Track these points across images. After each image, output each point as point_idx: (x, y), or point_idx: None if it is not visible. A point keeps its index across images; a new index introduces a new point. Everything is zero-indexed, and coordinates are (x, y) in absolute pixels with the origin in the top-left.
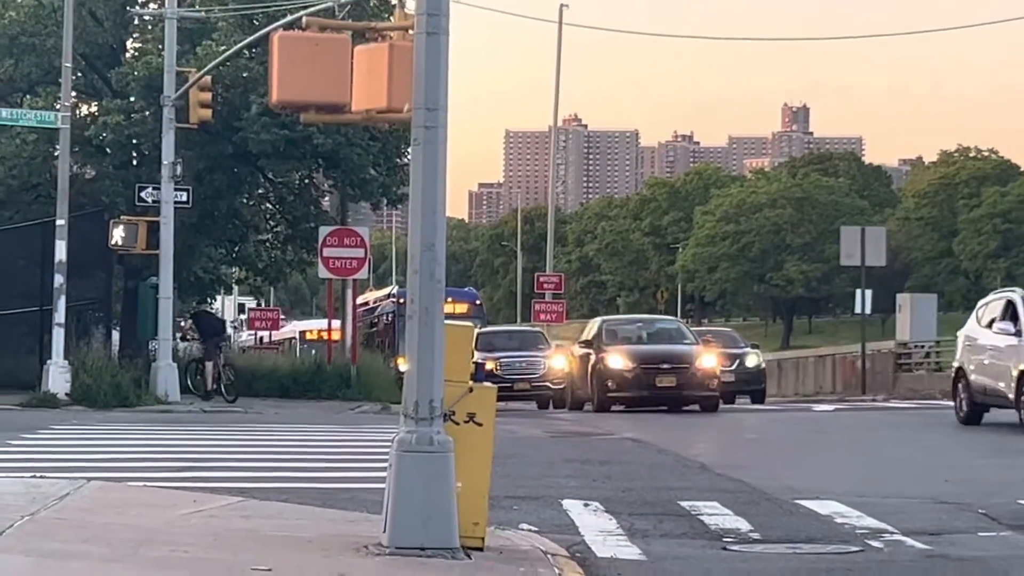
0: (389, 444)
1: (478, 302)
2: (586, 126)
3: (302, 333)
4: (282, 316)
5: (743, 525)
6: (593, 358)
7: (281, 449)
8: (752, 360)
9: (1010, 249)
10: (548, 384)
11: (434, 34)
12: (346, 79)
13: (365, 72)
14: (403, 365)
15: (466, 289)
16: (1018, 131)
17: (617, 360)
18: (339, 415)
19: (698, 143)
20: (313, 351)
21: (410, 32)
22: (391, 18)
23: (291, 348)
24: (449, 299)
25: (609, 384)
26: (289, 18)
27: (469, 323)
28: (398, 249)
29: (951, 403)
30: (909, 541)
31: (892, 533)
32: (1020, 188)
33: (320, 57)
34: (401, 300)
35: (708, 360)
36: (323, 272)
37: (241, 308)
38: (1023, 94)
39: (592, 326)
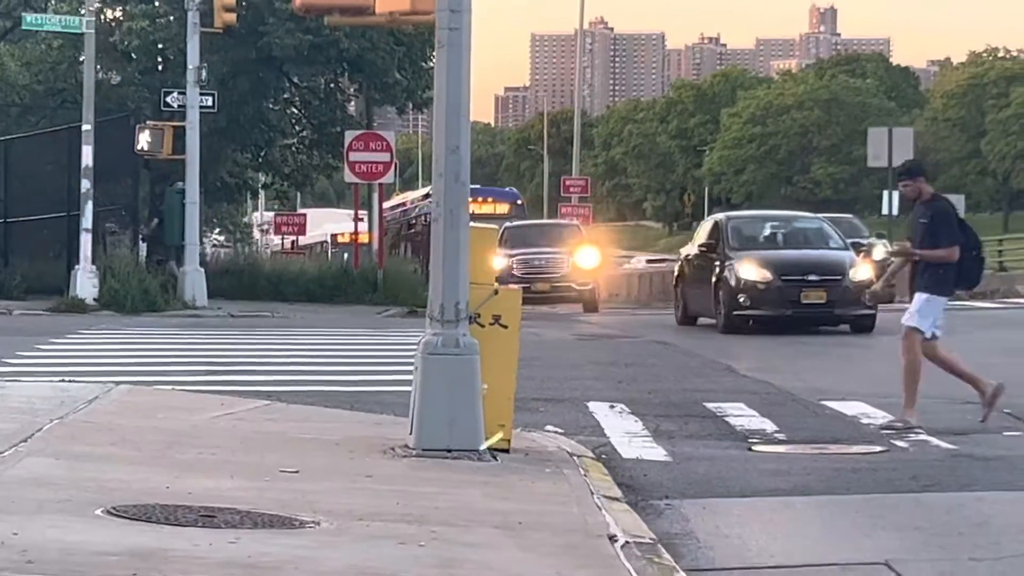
0: (415, 347)
1: (520, 202)
2: (612, 29)
3: (334, 236)
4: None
5: (768, 426)
6: (717, 265)
7: (308, 353)
8: (879, 253)
9: None
10: (572, 285)
11: None
12: None
13: None
14: None
15: (507, 189)
16: None
17: (751, 270)
18: (365, 319)
19: (725, 45)
20: (345, 255)
21: None
22: None
23: (323, 251)
24: (490, 199)
25: (741, 299)
26: None
27: (493, 225)
28: (424, 153)
29: (975, 303)
30: (934, 441)
31: (917, 433)
32: None
33: None
34: None
35: (863, 271)
36: (349, 177)
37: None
38: None
39: (710, 224)
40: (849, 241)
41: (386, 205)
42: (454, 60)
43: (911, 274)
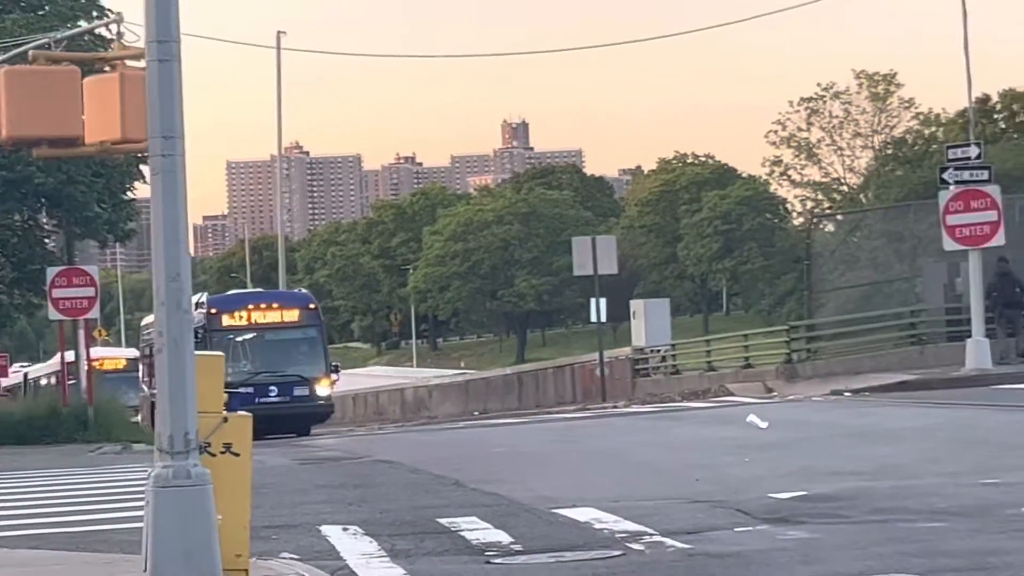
0: (135, 483)
1: (312, 306)
2: (308, 153)
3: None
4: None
5: (504, 538)
6: None
7: (25, 496)
8: None
9: (732, 250)
10: None
11: (166, 61)
12: (78, 111)
13: (97, 103)
14: None
15: (298, 291)
16: (732, 135)
17: None
18: (79, 458)
19: (421, 164)
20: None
21: (141, 61)
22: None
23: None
24: (275, 305)
25: None
26: (10, 54)
27: (220, 353)
28: (125, 287)
29: (690, 404)
30: (669, 541)
31: (651, 535)
32: (739, 190)
33: (50, 90)
34: (213, 310)
35: None
36: (53, 314)
37: None
38: (735, 100)
39: None
40: None
41: (145, 321)
42: (170, 186)
43: None
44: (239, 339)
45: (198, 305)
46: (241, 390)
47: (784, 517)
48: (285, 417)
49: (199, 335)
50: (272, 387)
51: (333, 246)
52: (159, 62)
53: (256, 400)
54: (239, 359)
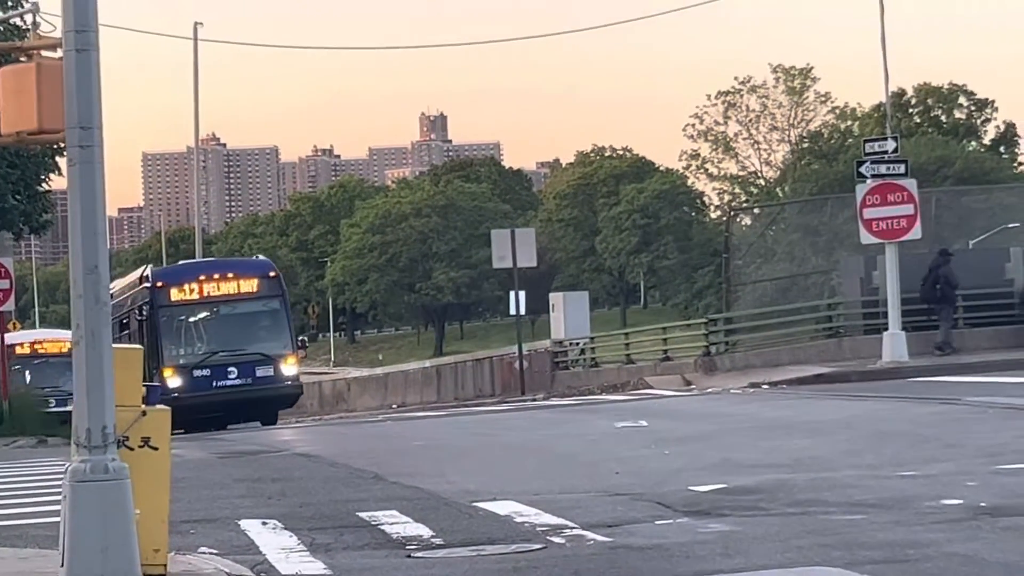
0: (51, 477)
1: (272, 274)
2: (225, 145)
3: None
4: None
5: (424, 531)
6: None
7: None
8: None
9: (650, 244)
10: None
11: (84, 51)
12: None
13: (13, 93)
14: (169, 377)
15: (256, 259)
16: (650, 129)
17: None
18: None
19: (339, 156)
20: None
21: (58, 51)
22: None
23: None
24: (231, 275)
25: None
26: None
27: (138, 346)
28: (39, 279)
29: (609, 396)
30: (590, 534)
31: (572, 528)
32: (656, 184)
33: None
34: (160, 284)
35: None
36: None
37: None
38: (653, 93)
39: None
40: None
41: None
42: (87, 177)
43: None
44: (191, 315)
45: (142, 279)
46: (195, 373)
47: (704, 510)
48: (248, 402)
49: (144, 312)
50: (231, 368)
51: (250, 238)
52: (77, 51)
53: (214, 384)
54: (192, 338)
